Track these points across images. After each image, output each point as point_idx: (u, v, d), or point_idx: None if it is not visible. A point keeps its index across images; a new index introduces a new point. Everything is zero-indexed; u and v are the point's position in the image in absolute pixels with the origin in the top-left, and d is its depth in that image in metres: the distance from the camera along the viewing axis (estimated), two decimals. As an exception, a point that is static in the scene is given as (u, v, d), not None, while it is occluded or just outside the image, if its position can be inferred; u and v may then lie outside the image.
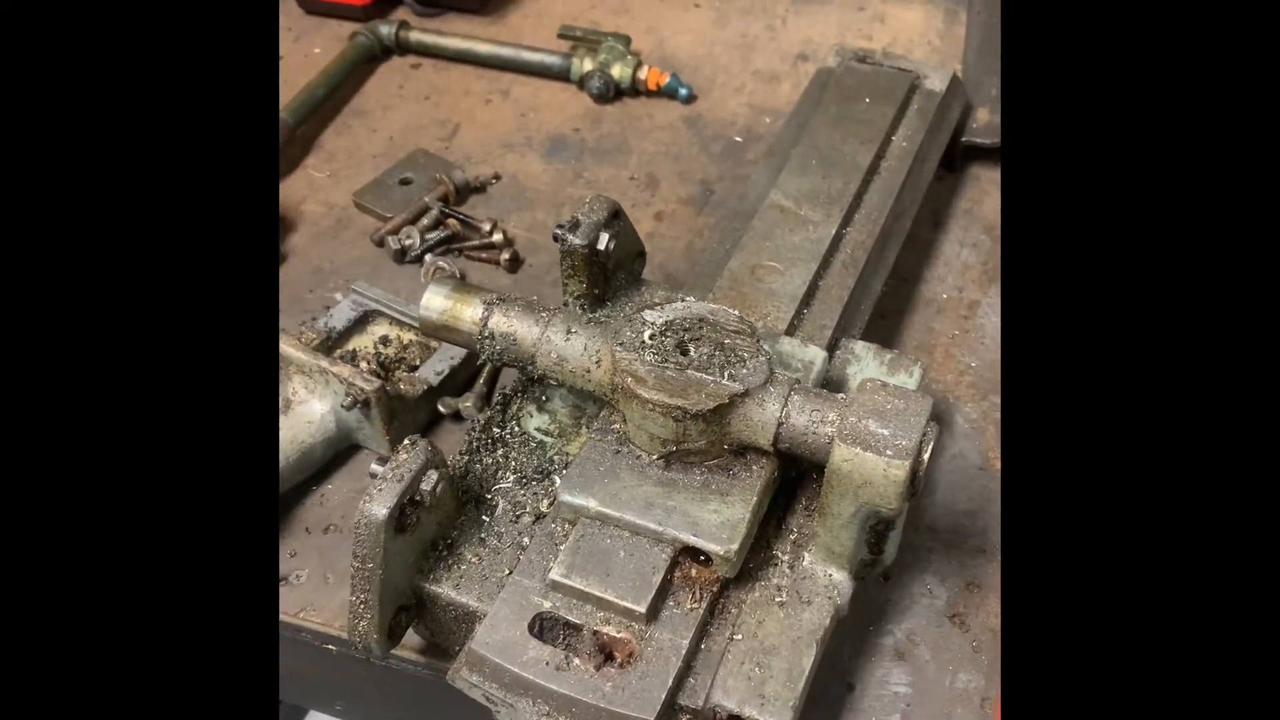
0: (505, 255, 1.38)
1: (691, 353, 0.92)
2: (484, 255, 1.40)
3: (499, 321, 0.98)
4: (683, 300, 0.97)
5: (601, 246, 1.02)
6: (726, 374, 0.90)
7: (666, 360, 0.91)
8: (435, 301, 1.00)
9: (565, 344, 0.96)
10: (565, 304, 1.07)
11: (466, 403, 1.20)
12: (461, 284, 1.02)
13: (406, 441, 0.89)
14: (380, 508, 0.84)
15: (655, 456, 0.92)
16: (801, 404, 0.89)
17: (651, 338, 0.93)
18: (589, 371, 0.95)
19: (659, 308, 0.96)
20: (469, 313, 0.99)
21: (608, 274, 1.06)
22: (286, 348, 1.12)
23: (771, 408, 0.89)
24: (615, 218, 1.05)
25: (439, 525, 0.93)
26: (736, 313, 0.95)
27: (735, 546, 0.86)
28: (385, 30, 1.72)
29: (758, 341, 0.93)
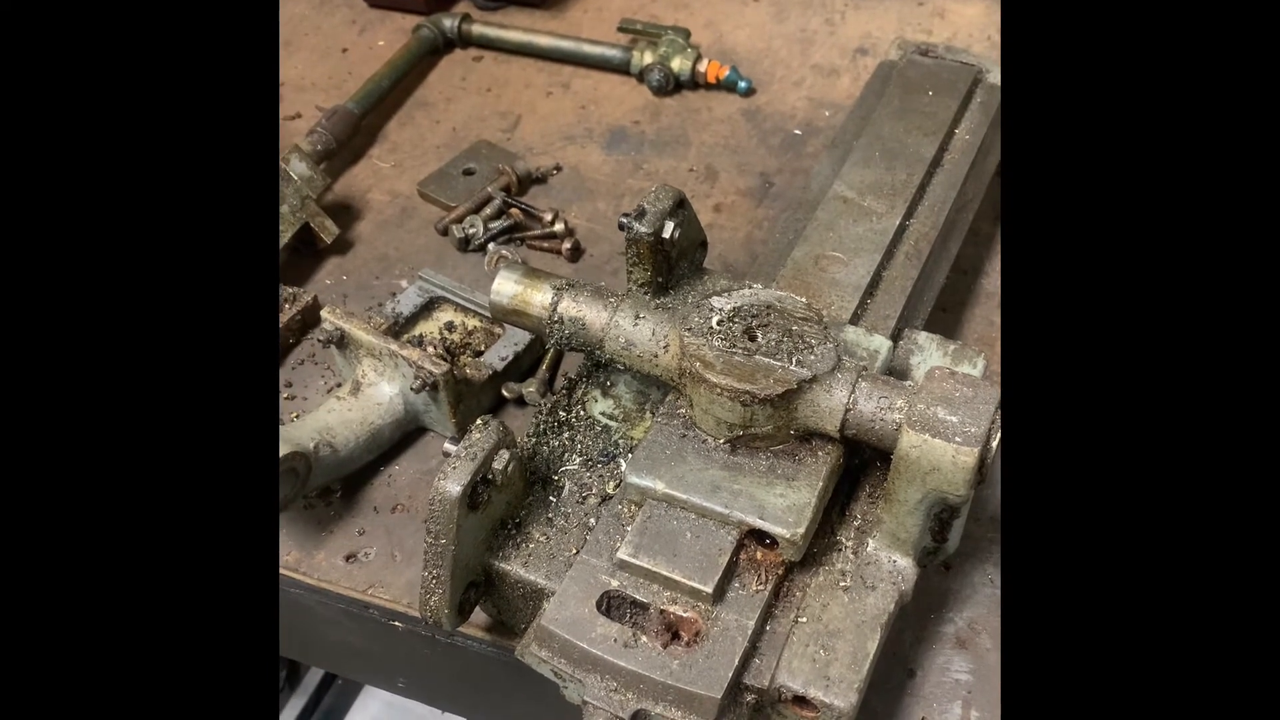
0: (566, 245, 1.40)
1: (759, 339, 0.93)
2: (546, 245, 1.42)
3: (568, 306, 1.00)
4: (750, 287, 0.99)
5: (667, 235, 1.03)
6: (794, 360, 0.91)
7: (734, 346, 0.92)
8: (506, 287, 1.02)
9: (633, 329, 0.98)
10: (629, 291, 1.08)
11: (530, 388, 1.22)
12: (531, 270, 1.04)
13: (479, 422, 0.91)
14: (454, 485, 0.86)
15: (721, 441, 0.93)
16: (869, 391, 0.90)
17: (719, 324, 0.94)
18: (656, 356, 0.97)
19: (726, 294, 0.97)
20: (539, 298, 1.01)
21: (671, 262, 1.07)
22: (357, 331, 1.14)
23: (839, 394, 0.90)
24: (680, 207, 1.06)
25: (508, 505, 0.95)
26: (803, 300, 0.96)
27: (801, 530, 0.87)
28: (448, 23, 1.75)
29: (825, 329, 0.94)
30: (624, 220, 1.04)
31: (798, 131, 1.58)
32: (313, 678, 2.42)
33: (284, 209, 1.34)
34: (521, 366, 1.24)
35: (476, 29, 1.75)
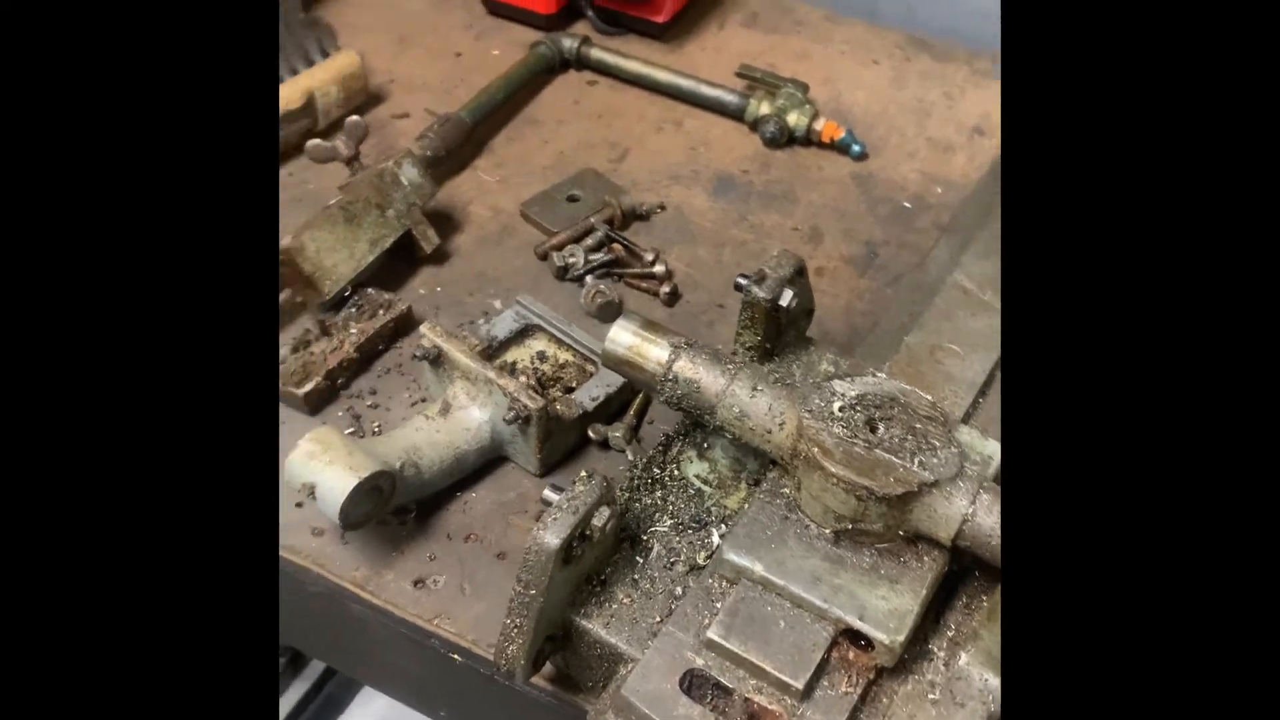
0: (665, 288, 1.38)
1: (881, 431, 0.90)
2: (644, 285, 1.40)
3: (684, 367, 0.98)
4: (874, 375, 0.96)
5: (784, 302, 1.01)
6: (916, 460, 0.88)
7: (855, 436, 0.89)
8: (623, 337, 1.00)
9: (749, 400, 0.95)
10: (734, 353, 1.06)
11: (616, 432, 1.19)
12: (649, 322, 1.01)
13: (583, 474, 0.89)
14: (554, 538, 0.84)
15: (826, 530, 0.91)
16: (990, 504, 0.87)
17: (841, 410, 0.91)
18: (770, 432, 0.94)
19: (849, 379, 0.95)
20: (655, 353, 0.99)
21: (781, 329, 1.06)
22: (455, 353, 1.13)
23: (959, 503, 0.87)
24: (799, 275, 1.05)
25: (597, 560, 0.93)
26: (929, 398, 0.94)
27: (902, 638, 0.84)
28: (568, 44, 1.74)
29: (949, 431, 0.91)
30: (742, 282, 1.02)
31: (908, 204, 1.55)
32: (315, 667, 2.40)
33: (390, 213, 1.33)
34: (610, 408, 1.21)
35: (595, 53, 1.74)
